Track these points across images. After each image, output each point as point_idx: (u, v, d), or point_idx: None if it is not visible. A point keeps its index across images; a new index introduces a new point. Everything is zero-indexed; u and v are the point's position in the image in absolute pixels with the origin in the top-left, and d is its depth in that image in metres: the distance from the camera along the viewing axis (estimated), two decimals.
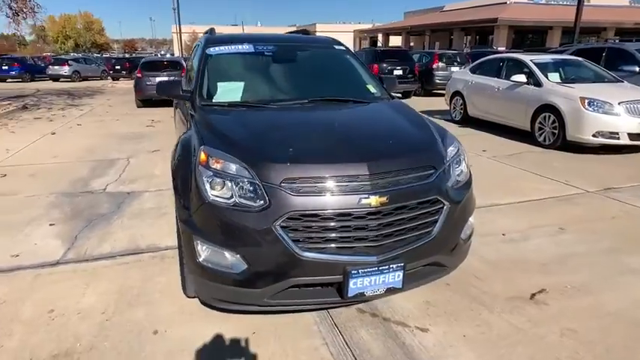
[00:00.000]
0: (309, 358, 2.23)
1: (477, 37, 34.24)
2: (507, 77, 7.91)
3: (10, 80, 24.89)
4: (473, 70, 9.26)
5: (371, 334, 2.41)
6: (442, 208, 2.31)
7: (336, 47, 3.82)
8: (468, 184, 2.55)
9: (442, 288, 2.87)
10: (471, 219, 2.67)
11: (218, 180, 2.16)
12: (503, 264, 3.20)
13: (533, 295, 2.79)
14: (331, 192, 2.09)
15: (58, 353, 2.26)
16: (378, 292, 2.19)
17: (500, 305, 2.67)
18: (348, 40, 52.41)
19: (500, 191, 4.85)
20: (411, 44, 41.74)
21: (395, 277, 2.19)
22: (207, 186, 2.17)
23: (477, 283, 2.94)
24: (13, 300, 2.74)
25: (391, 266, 2.15)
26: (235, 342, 2.34)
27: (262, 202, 2.08)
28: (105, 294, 2.80)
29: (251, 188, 2.12)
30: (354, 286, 2.13)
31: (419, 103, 13.19)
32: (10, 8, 10.83)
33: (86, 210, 4.29)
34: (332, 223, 2.08)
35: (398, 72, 14.34)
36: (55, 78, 25.80)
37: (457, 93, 9.51)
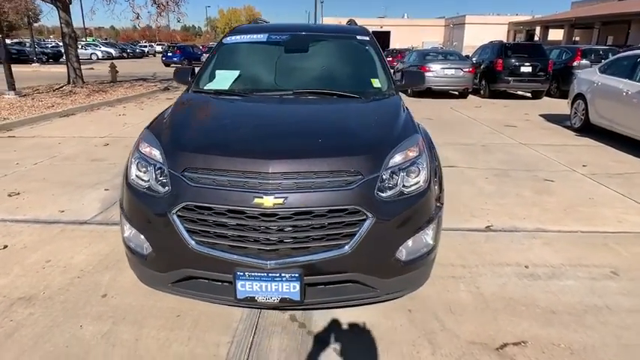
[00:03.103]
0: (203, 352, 2.19)
1: None
2: None
3: (172, 65, 29.31)
4: (602, 70, 7.68)
5: (282, 345, 2.25)
6: (364, 220, 2.01)
7: (358, 37, 3.56)
8: (416, 198, 2.16)
9: (400, 313, 2.51)
10: (428, 239, 2.27)
11: (143, 163, 2.24)
12: (497, 301, 2.64)
13: (503, 345, 2.25)
14: (228, 187, 1.99)
15: (24, 296, 2.64)
16: (272, 301, 2.03)
17: (451, 349, 2.23)
18: (501, 33, 48.04)
19: (563, 215, 3.99)
20: (576, 39, 36.23)
21: (290, 288, 2.00)
22: (134, 167, 2.27)
23: (446, 316, 2.49)
24: (31, 247, 3.28)
25: (284, 275, 1.97)
26: (154, 320, 2.42)
27: (167, 189, 2.09)
28: (95, 255, 3.16)
29: (162, 175, 2.14)
30: (243, 288, 2.01)
31: (547, 106, 11.56)
32: (155, 2, 12.68)
33: None
34: (224, 220, 1.99)
35: (526, 69, 12.68)
36: None
37: (579, 96, 8.03)
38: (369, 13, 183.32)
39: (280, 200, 1.93)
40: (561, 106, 10.95)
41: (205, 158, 2.08)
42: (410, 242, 2.19)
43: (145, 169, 2.23)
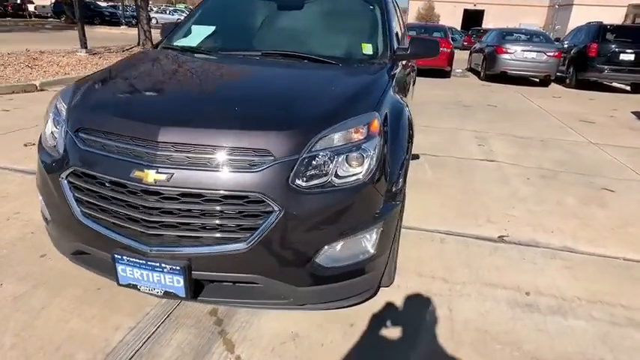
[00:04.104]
0: (98, 334, 1.97)
1: None
2: None
3: None
4: None
5: (183, 342, 1.95)
6: (270, 213, 1.61)
7: None
8: (350, 192, 1.70)
9: (339, 326, 2.10)
10: (367, 245, 1.83)
11: (57, 120, 2.02)
12: (467, 332, 2.11)
13: None
14: (115, 154, 1.70)
15: None
16: (155, 292, 1.73)
17: None
18: (616, 17, 42.17)
19: (608, 234, 3.21)
20: None
21: (173, 282, 1.68)
22: (50, 124, 2.05)
23: (393, 340, 2.03)
24: (12, 197, 3.30)
25: (164, 266, 1.65)
26: (72, 290, 2.25)
27: (63, 150, 1.85)
28: None
29: (65, 134, 1.90)
30: (124, 273, 1.73)
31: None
32: None
33: None
34: (107, 192, 1.70)
35: (628, 57, 10.85)
36: None
37: None
38: None
39: (163, 176, 1.59)
40: None
41: (97, 118, 1.81)
42: (338, 246, 1.75)
43: (58, 126, 2.01)
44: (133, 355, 1.86)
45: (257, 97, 1.99)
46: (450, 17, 52.41)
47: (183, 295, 1.70)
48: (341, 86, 2.12)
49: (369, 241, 1.82)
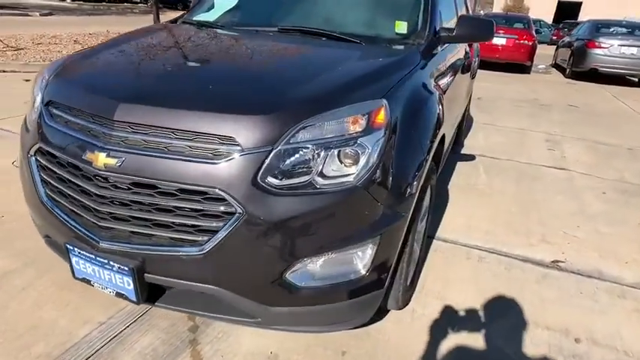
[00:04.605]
0: (65, 325, 1.82)
1: None
2: None
3: None
4: None
5: (147, 347, 1.74)
6: (232, 214, 1.33)
7: None
8: (336, 196, 1.36)
9: (328, 353, 1.78)
10: (357, 263, 1.49)
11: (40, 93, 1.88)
12: None
13: None
14: (75, 132, 1.51)
15: None
16: (108, 292, 1.52)
17: None
18: None
19: None
20: None
21: (124, 282, 1.45)
22: (38, 98, 1.91)
23: None
24: None
25: (113, 264, 1.43)
26: (57, 273, 2.14)
27: (35, 125, 1.70)
28: None
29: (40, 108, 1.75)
30: (77, 266, 1.54)
31: None
32: None
33: None
34: (65, 174, 1.52)
35: None
36: None
37: None
38: None
39: (113, 161, 1.36)
40: None
41: (65, 91, 1.64)
42: (319, 262, 1.43)
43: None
44: (92, 354, 1.69)
45: (241, 77, 1.69)
46: (542, 9, 48.38)
47: (134, 299, 1.47)
48: (349, 67, 1.75)
49: (360, 259, 1.47)
